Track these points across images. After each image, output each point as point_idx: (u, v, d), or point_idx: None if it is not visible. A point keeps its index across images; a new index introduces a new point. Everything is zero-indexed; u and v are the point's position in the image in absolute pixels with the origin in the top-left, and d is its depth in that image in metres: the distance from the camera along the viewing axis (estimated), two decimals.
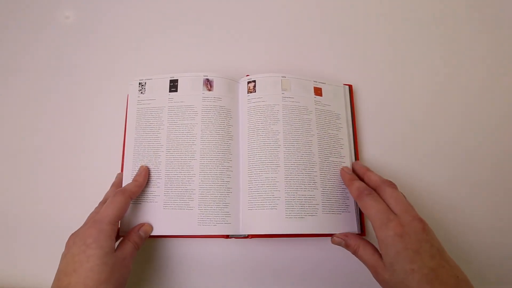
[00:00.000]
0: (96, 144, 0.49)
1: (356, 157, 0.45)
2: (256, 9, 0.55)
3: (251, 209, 0.40)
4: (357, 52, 0.52)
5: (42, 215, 0.46)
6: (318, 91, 0.46)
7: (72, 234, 0.36)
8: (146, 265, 0.43)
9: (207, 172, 0.42)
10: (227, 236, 0.41)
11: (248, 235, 0.41)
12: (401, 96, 0.50)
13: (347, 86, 0.48)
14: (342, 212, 0.41)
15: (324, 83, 0.46)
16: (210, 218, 0.40)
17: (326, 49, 0.53)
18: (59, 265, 0.34)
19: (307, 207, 0.40)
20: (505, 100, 0.50)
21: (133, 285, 0.42)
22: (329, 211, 0.40)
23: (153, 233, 0.40)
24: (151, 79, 0.47)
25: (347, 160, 0.43)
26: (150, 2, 0.56)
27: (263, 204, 0.40)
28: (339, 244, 0.37)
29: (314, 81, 0.46)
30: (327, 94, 0.46)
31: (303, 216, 0.39)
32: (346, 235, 0.37)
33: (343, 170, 0.41)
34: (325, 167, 0.42)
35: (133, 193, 0.39)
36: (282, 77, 0.45)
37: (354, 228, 0.40)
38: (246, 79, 0.46)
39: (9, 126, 0.51)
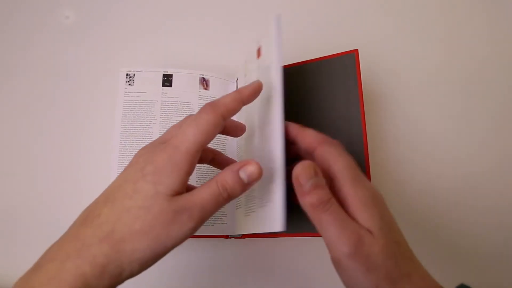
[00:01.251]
0: (97, 144, 0.48)
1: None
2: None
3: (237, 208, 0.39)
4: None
5: (42, 214, 0.45)
6: None
7: (143, 149, 0.26)
8: None
9: (203, 170, 0.41)
10: (227, 236, 0.40)
11: (242, 235, 0.39)
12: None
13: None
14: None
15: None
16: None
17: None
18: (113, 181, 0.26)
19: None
20: None
21: None
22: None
23: None
24: (141, 71, 0.45)
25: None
26: (150, 2, 0.55)
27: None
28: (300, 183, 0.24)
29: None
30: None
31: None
32: (317, 174, 0.25)
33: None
34: None
35: (228, 110, 0.26)
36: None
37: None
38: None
39: (9, 126, 0.50)
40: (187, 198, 0.24)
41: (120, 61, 0.52)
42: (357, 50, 0.39)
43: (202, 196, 0.24)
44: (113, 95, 0.48)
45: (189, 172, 0.24)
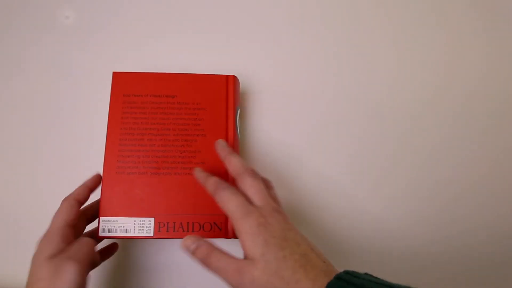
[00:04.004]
0: (97, 144, 0.46)
1: None
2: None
3: None
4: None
5: (42, 214, 0.43)
6: None
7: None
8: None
9: None
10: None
11: None
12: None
13: None
14: None
15: None
16: None
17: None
18: None
19: None
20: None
21: None
22: None
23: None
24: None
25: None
26: (150, 2, 0.55)
27: None
28: (187, 249, 0.31)
29: None
30: None
31: None
32: (198, 239, 0.31)
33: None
34: None
35: (79, 194, 0.36)
36: None
37: None
38: None
39: (9, 126, 0.49)
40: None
41: (122, 62, 0.52)
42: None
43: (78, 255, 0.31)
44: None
45: (61, 241, 0.32)
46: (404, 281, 0.26)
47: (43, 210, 0.44)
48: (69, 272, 0.29)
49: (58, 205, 0.45)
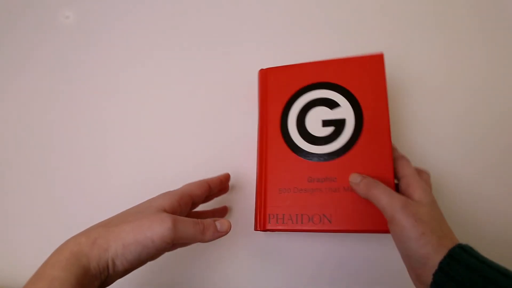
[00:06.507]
0: (97, 144, 0.48)
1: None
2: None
3: None
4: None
5: (42, 214, 0.46)
6: None
7: None
8: None
9: None
10: None
11: None
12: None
13: None
14: None
15: None
16: None
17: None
18: None
19: None
20: None
21: None
22: None
23: None
24: None
25: None
26: (150, 2, 0.55)
27: None
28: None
29: None
30: None
31: None
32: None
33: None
34: None
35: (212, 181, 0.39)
36: None
37: None
38: None
39: (9, 126, 0.50)
40: (171, 214, 0.31)
41: (120, 61, 0.51)
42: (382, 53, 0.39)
43: (184, 217, 0.31)
44: (113, 95, 0.49)
45: (178, 201, 0.33)
46: None
47: (44, 210, 0.45)
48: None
49: (61, 206, 0.46)
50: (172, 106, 0.49)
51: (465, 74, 0.44)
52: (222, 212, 0.43)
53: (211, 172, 0.42)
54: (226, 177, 0.41)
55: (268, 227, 0.38)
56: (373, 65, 0.39)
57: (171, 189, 0.35)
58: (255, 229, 0.40)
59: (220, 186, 0.40)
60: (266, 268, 0.42)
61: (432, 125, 0.44)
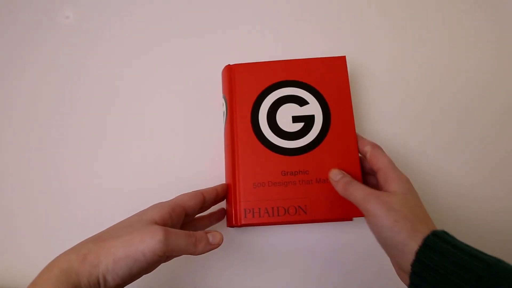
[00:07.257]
0: (97, 144, 0.48)
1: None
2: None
3: None
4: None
5: (43, 214, 0.45)
6: None
7: None
8: None
9: None
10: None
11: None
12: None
13: None
14: None
15: None
16: None
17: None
18: None
19: None
20: None
21: None
22: None
23: None
24: None
25: None
26: (150, 2, 0.54)
27: None
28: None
29: None
30: None
31: None
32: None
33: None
34: None
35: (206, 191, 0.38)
36: None
37: None
38: None
39: (10, 126, 0.50)
40: (163, 226, 0.30)
41: (120, 62, 0.51)
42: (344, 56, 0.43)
43: (176, 229, 0.31)
44: (113, 95, 0.48)
45: (169, 213, 0.32)
46: None
47: (43, 210, 0.45)
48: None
49: (62, 207, 0.47)
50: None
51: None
52: (219, 215, 0.41)
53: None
54: (223, 188, 0.40)
55: (244, 221, 0.38)
56: (337, 65, 0.42)
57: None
58: (229, 225, 0.40)
59: (216, 197, 0.38)
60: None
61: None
